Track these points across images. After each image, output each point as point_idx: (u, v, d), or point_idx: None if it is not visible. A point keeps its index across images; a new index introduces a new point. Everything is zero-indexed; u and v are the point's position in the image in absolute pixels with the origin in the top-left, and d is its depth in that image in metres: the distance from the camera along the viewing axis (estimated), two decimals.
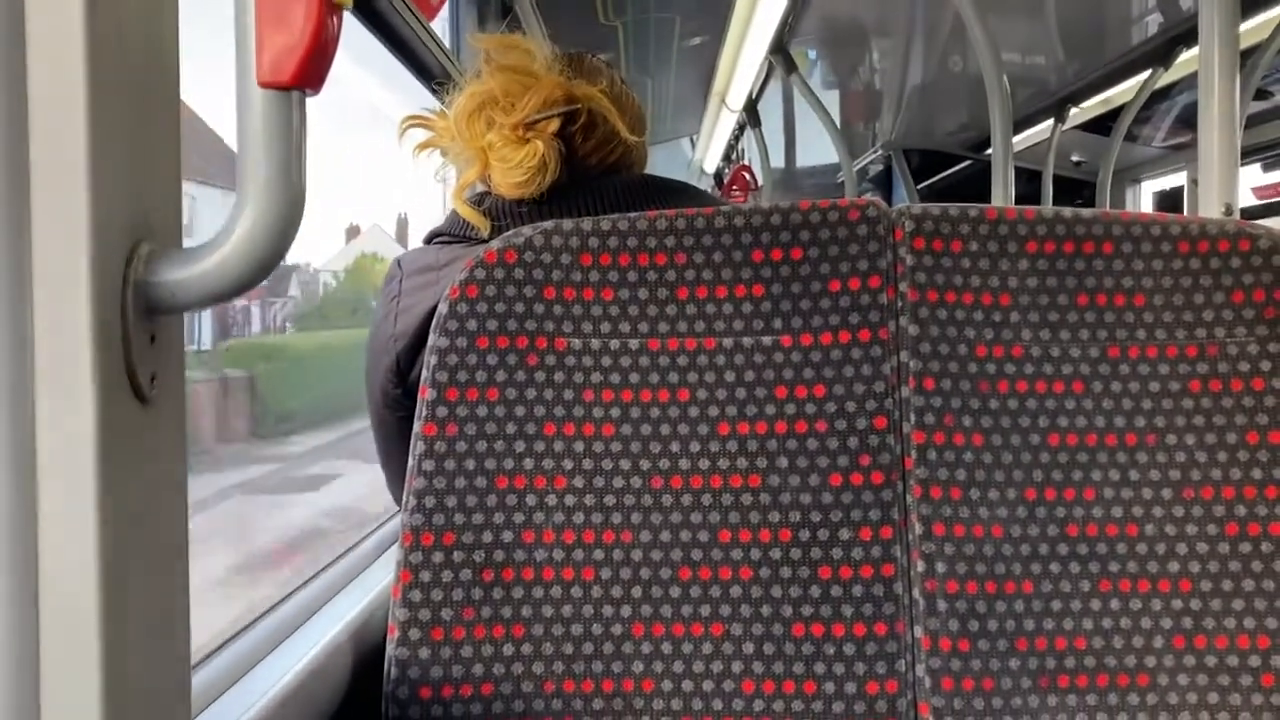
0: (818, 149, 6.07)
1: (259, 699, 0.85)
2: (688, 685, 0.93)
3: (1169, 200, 5.29)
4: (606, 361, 0.95)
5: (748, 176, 6.52)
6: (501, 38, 1.19)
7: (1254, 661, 0.94)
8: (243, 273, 0.53)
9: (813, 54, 4.94)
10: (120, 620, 0.52)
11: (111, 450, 0.51)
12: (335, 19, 0.53)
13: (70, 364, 0.50)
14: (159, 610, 0.57)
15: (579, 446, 0.94)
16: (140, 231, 0.53)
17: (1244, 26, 1.93)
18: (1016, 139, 4.31)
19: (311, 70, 0.52)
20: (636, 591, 0.94)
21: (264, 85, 0.52)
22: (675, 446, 0.95)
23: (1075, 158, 5.31)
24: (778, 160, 6.96)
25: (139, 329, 0.53)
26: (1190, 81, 3.74)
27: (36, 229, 0.50)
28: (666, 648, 0.93)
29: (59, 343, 0.50)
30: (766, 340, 0.96)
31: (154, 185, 0.55)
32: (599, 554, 0.93)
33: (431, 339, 0.94)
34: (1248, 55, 3.11)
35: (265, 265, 0.53)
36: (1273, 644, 0.94)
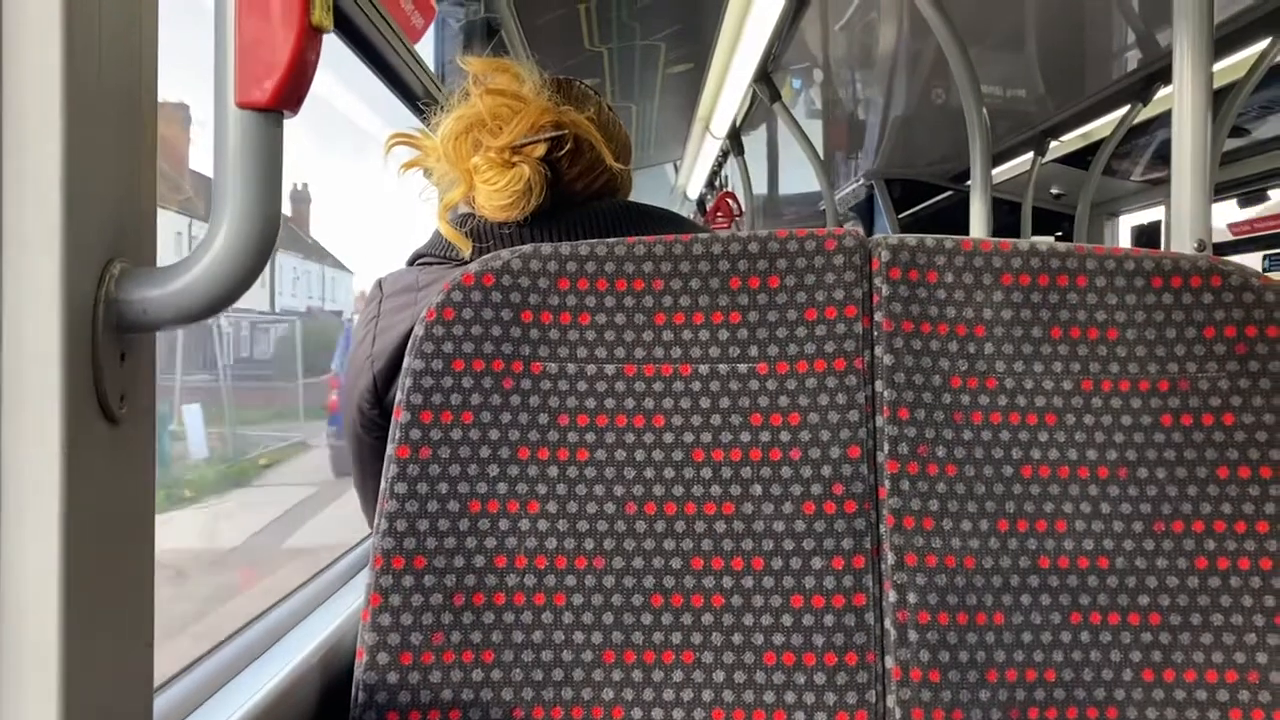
0: (800, 177, 6.10)
1: None
2: (658, 713, 0.92)
3: (1146, 234, 5.34)
4: (582, 386, 0.95)
5: (732, 203, 6.53)
6: (491, 61, 1.19)
7: (1222, 695, 0.94)
8: (216, 292, 0.53)
9: (797, 83, 4.97)
10: (83, 642, 0.51)
11: (78, 470, 0.50)
12: (316, 41, 0.53)
13: (38, 381, 0.49)
14: (123, 632, 0.56)
15: (553, 471, 0.94)
16: (114, 248, 0.53)
17: (1220, 65, 1.96)
18: (997, 171, 4.34)
19: (290, 92, 0.52)
20: (608, 618, 0.93)
21: (242, 106, 0.52)
22: (649, 473, 0.94)
23: (1055, 190, 5.36)
24: (760, 188, 6.99)
25: (109, 347, 0.53)
26: (1168, 118, 3.78)
27: (7, 242, 0.49)
28: (637, 675, 0.93)
29: (27, 359, 0.49)
30: (742, 368, 0.96)
31: (129, 202, 0.55)
32: (571, 580, 0.93)
33: (407, 360, 0.93)
34: (1225, 93, 3.15)
35: (239, 285, 0.53)
36: (1240, 678, 0.95)
